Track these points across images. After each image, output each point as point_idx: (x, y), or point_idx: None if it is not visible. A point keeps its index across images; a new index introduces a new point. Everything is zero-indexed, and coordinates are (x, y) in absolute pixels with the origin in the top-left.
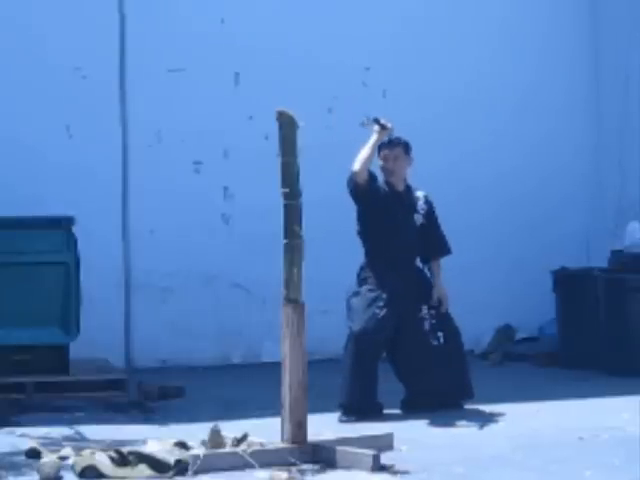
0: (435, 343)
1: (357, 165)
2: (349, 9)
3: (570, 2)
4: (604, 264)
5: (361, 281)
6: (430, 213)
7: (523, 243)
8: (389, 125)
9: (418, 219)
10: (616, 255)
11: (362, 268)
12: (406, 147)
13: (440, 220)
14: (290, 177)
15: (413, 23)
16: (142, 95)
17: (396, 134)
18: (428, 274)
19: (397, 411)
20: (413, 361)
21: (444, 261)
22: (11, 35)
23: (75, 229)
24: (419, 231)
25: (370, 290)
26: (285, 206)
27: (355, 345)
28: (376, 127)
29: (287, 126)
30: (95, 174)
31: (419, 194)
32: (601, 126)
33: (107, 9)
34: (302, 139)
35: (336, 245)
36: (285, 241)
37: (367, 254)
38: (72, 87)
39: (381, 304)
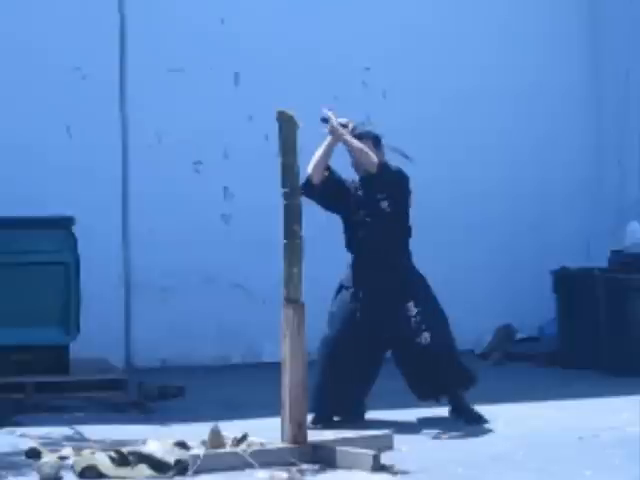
0: (423, 342)
1: (309, 168)
2: (349, 9)
3: (570, 2)
4: (604, 264)
5: (341, 282)
6: (397, 190)
7: (523, 243)
8: (335, 124)
9: (384, 205)
10: (616, 255)
11: (347, 267)
12: (375, 141)
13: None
14: (290, 177)
15: (413, 23)
16: (142, 95)
17: (396, 134)
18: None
19: (397, 411)
20: (405, 360)
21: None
22: (11, 35)
23: (75, 229)
24: (390, 217)
25: (346, 288)
26: (285, 206)
27: (330, 350)
28: (327, 127)
29: (287, 126)
30: (95, 174)
31: (394, 170)
32: (601, 126)
33: (107, 9)
34: (302, 139)
35: (336, 245)
36: (285, 241)
37: (348, 252)
38: (72, 87)
39: (356, 307)
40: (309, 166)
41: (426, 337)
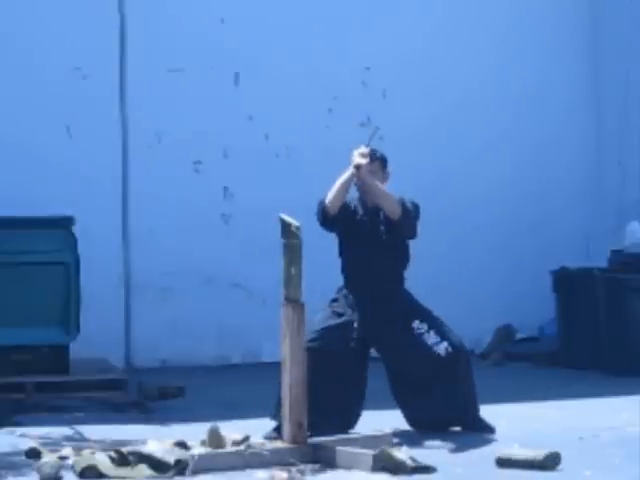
0: (443, 354)
1: (328, 199)
2: (349, 9)
3: (571, 3)
4: (604, 264)
5: (331, 301)
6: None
7: (523, 243)
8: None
9: (386, 237)
10: (616, 255)
11: (338, 289)
12: (382, 162)
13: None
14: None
15: (413, 23)
16: (142, 95)
17: (396, 134)
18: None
19: (396, 411)
20: (420, 380)
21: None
22: (11, 35)
23: (75, 229)
24: (388, 244)
25: (334, 310)
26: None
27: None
28: (356, 164)
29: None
30: (95, 174)
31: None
32: (601, 126)
33: (107, 9)
34: (302, 139)
35: (336, 244)
36: (284, 241)
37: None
38: (72, 87)
39: (337, 322)
40: (328, 197)
41: (445, 346)
